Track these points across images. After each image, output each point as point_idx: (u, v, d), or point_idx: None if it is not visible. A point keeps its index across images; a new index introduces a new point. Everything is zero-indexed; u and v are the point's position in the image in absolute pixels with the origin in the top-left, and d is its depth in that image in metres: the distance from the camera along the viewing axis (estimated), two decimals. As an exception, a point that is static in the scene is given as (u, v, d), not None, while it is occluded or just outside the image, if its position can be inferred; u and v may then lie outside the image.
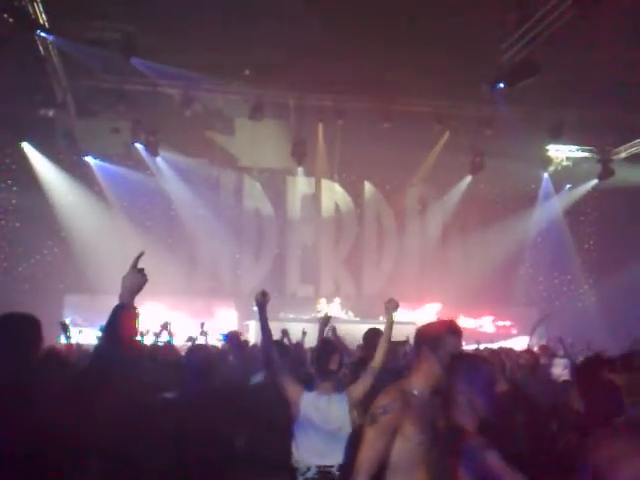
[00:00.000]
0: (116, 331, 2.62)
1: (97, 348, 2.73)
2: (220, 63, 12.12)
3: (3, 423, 2.36)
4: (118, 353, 2.61)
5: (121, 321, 2.65)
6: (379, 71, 12.67)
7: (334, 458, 4.02)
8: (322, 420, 4.08)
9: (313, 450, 4.03)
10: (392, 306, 4.62)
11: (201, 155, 16.40)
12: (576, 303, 17.90)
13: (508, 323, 17.62)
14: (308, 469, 4.01)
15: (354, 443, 4.08)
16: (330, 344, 4.72)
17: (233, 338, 5.30)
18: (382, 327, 4.74)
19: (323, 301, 15.97)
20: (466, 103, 14.18)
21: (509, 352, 8.08)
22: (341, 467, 4.00)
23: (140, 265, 2.77)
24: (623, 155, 16.19)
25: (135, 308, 2.69)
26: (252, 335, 14.10)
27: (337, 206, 18.30)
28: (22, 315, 2.81)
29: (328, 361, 4.32)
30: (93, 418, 2.55)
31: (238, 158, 17.32)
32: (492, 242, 16.93)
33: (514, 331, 17.37)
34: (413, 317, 15.92)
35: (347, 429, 4.12)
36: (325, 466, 4.01)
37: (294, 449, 4.08)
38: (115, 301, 2.72)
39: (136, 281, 2.72)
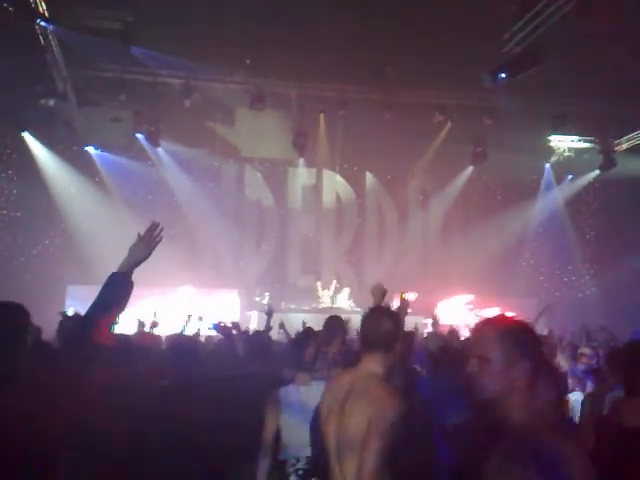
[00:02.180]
0: (109, 297, 2.65)
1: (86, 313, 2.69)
2: (221, 53, 12.09)
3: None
4: (89, 326, 2.61)
5: (116, 287, 2.68)
6: (381, 62, 12.64)
7: None
8: (302, 411, 4.07)
9: (299, 441, 4.04)
10: (378, 292, 4.35)
11: (202, 145, 16.37)
12: (577, 294, 17.91)
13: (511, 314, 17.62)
14: (297, 460, 4.05)
15: None
16: (305, 335, 4.73)
17: (222, 328, 5.30)
18: None
19: (326, 292, 16.01)
20: (468, 94, 14.15)
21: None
22: None
23: None
24: (625, 146, 16.15)
25: (131, 280, 2.73)
26: (254, 325, 14.12)
27: (338, 197, 18.29)
28: (11, 304, 2.77)
29: (304, 352, 4.33)
30: (82, 405, 2.56)
31: (239, 148, 17.30)
32: (493, 233, 16.90)
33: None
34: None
35: None
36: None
37: (281, 442, 4.08)
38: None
39: (141, 253, 2.81)
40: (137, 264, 2.79)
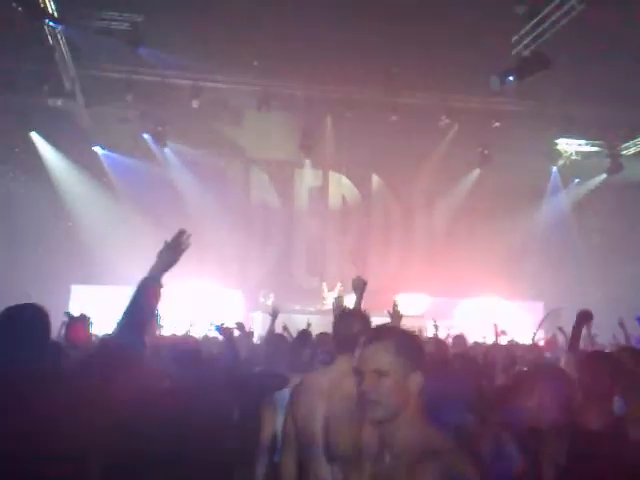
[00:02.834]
0: (141, 302, 2.72)
1: (119, 321, 2.75)
2: (228, 54, 12.10)
3: (21, 414, 2.36)
4: (136, 328, 2.70)
5: (147, 293, 2.74)
6: (388, 64, 12.63)
7: None
8: None
9: None
10: (358, 284, 4.42)
11: (209, 146, 16.36)
12: (582, 298, 17.81)
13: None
14: None
15: None
16: (302, 337, 4.71)
17: (224, 330, 5.28)
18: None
19: (331, 294, 15.98)
20: (475, 96, 14.13)
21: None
22: None
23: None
24: (632, 150, 16.07)
25: (161, 283, 2.80)
26: (258, 326, 14.12)
27: (344, 199, 18.28)
28: (33, 306, 2.80)
29: (300, 354, 4.33)
30: (106, 404, 2.59)
31: (246, 150, 17.33)
32: (499, 236, 16.85)
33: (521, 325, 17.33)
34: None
35: None
36: None
37: (278, 445, 4.07)
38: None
39: (170, 258, 2.88)
40: (166, 269, 2.86)
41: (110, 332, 2.89)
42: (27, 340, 2.64)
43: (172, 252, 2.91)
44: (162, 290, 2.81)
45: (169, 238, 2.96)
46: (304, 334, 5.04)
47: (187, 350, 4.18)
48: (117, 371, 2.65)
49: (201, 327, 9.17)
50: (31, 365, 2.57)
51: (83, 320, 4.48)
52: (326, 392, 3.13)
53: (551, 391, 2.83)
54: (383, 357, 2.06)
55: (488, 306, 17.20)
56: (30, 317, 2.72)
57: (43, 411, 2.38)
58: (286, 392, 4.17)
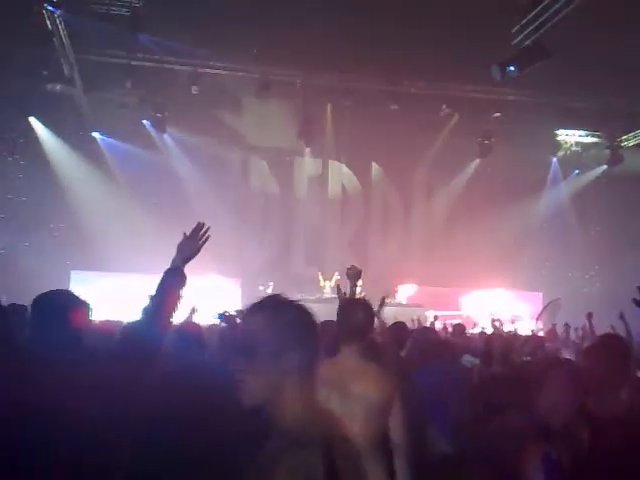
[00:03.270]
0: (166, 292, 2.86)
1: (144, 310, 2.88)
2: (228, 41, 12.04)
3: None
4: (163, 317, 2.83)
5: (172, 283, 2.87)
6: (388, 52, 12.56)
7: None
8: None
9: None
10: (353, 273, 4.47)
11: (208, 133, 16.30)
12: (581, 289, 17.87)
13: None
14: None
15: None
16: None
17: (227, 318, 5.28)
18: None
19: (328, 283, 15.99)
20: (475, 86, 14.09)
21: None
22: None
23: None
24: (632, 142, 16.08)
25: (184, 274, 2.94)
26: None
27: (344, 187, 18.26)
28: (70, 293, 2.90)
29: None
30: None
31: (245, 137, 17.27)
32: (498, 226, 16.85)
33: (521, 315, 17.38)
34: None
35: None
36: None
37: None
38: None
39: (190, 249, 2.97)
40: (187, 261, 2.97)
41: (134, 320, 3.05)
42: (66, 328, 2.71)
43: (192, 244, 2.98)
44: (186, 280, 2.94)
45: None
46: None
47: (191, 335, 4.20)
48: (146, 359, 2.76)
49: (201, 315, 9.15)
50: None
51: (82, 305, 4.45)
52: (336, 384, 3.09)
53: (564, 389, 2.74)
54: (254, 334, 1.83)
55: (490, 298, 17.28)
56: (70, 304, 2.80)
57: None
58: None
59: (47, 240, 15.46)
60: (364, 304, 3.36)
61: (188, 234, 3.00)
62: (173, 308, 2.88)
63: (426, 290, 16.76)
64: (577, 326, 9.49)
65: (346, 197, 18.23)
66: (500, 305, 17.22)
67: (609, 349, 3.32)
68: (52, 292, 2.84)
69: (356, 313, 3.25)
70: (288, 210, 17.87)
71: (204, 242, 3.02)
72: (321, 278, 16.33)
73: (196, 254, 3.00)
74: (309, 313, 1.95)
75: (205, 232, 3.03)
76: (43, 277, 12.34)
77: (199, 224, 3.03)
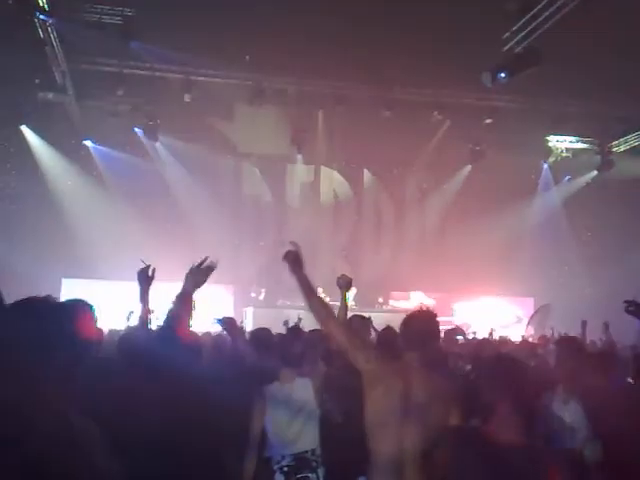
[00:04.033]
0: (177, 313, 3.33)
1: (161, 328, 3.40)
2: (220, 48, 12.05)
3: None
4: (174, 336, 3.24)
5: (182, 305, 3.36)
6: (380, 59, 12.62)
7: (307, 444, 4.09)
8: (287, 408, 4.10)
9: (285, 439, 4.07)
10: (343, 282, 4.52)
11: (200, 141, 16.31)
12: (572, 294, 17.92)
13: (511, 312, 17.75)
14: (282, 457, 4.05)
15: (324, 427, 4.15)
16: (293, 331, 4.73)
17: (227, 322, 5.28)
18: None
19: (321, 290, 15.92)
20: (467, 92, 14.15)
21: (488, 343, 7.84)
22: (315, 451, 4.09)
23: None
24: (623, 148, 16.17)
25: (193, 299, 3.45)
26: (249, 322, 14.13)
27: (336, 194, 18.28)
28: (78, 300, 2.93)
29: (291, 348, 4.34)
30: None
31: (237, 144, 17.27)
32: (490, 232, 16.90)
33: (512, 320, 17.45)
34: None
35: (315, 414, 4.16)
36: (299, 452, 4.07)
37: (267, 440, 4.09)
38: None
39: (198, 279, 3.45)
40: (195, 289, 3.46)
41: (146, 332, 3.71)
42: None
43: (200, 274, 3.47)
44: (194, 303, 3.45)
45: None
46: (295, 329, 5.05)
47: (190, 344, 4.20)
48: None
49: (195, 323, 9.13)
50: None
51: (86, 309, 4.49)
52: (396, 388, 3.10)
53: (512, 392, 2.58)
54: None
55: (482, 306, 17.36)
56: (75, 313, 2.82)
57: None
58: (275, 386, 4.18)
59: (39, 248, 15.41)
60: (427, 313, 3.34)
61: (196, 266, 3.49)
62: (183, 325, 3.39)
63: (419, 296, 16.81)
64: (564, 331, 9.51)
65: (338, 203, 18.25)
66: (491, 311, 17.31)
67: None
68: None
69: (418, 322, 3.25)
70: (280, 217, 17.87)
71: (212, 270, 3.56)
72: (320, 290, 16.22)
73: (204, 282, 3.48)
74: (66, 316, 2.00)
75: (209, 264, 3.56)
76: (35, 285, 12.27)
77: (205, 258, 3.56)
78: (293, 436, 4.08)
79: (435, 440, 2.88)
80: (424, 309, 3.39)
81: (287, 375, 4.22)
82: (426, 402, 3.01)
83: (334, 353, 4.75)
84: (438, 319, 3.31)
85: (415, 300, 16.79)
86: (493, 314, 17.24)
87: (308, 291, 3.58)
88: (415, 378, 3.08)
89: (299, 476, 4.03)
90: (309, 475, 4.05)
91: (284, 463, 4.04)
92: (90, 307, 2.91)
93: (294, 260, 3.71)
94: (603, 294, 16.23)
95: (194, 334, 4.32)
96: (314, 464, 4.08)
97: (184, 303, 3.37)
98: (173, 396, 3.20)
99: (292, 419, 4.09)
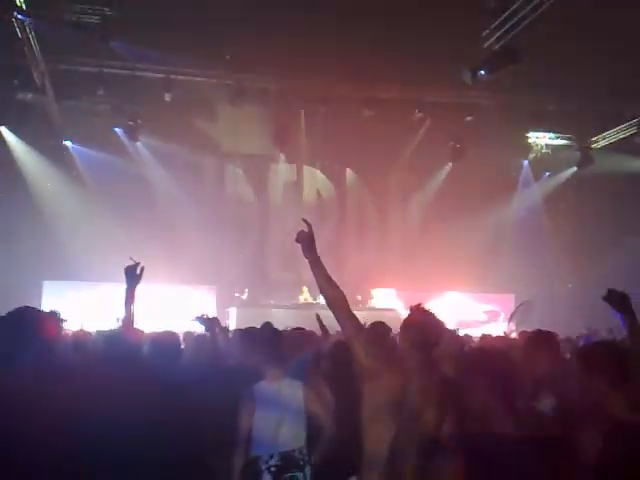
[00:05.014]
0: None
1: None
2: (201, 47, 12.01)
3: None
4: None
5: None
6: (361, 58, 12.64)
7: (294, 442, 4.11)
8: (275, 407, 4.11)
9: (272, 438, 4.07)
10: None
11: (182, 141, 16.23)
12: (554, 290, 18.08)
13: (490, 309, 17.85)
14: (271, 457, 4.05)
15: (311, 426, 4.16)
16: (277, 332, 4.71)
17: (206, 321, 5.26)
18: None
19: (306, 289, 15.97)
20: (447, 90, 14.21)
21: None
22: (302, 450, 4.11)
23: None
24: (602, 144, 16.31)
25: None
26: (232, 322, 14.10)
27: (319, 193, 18.30)
28: (37, 309, 3.09)
29: (279, 347, 4.35)
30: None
31: (220, 144, 17.22)
32: (472, 229, 17.00)
33: (494, 317, 17.55)
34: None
35: (302, 413, 4.17)
36: (287, 451, 4.08)
37: (254, 440, 4.09)
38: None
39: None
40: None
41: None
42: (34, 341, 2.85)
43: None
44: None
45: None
46: (276, 331, 5.04)
47: (168, 344, 4.19)
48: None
49: (177, 323, 9.12)
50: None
51: (53, 316, 4.52)
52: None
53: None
54: None
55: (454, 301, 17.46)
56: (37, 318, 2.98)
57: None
58: (263, 385, 4.18)
59: (19, 250, 15.28)
60: (428, 313, 3.30)
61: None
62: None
63: (401, 294, 16.86)
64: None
65: (321, 202, 18.27)
66: (463, 308, 17.43)
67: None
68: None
69: (420, 322, 3.23)
70: (263, 216, 17.85)
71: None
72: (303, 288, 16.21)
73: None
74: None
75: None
76: (16, 288, 12.21)
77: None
78: (280, 435, 4.09)
79: (427, 445, 2.88)
80: (423, 309, 3.32)
81: (275, 374, 4.22)
82: (420, 405, 2.97)
83: (324, 354, 4.78)
84: (439, 319, 3.26)
85: (385, 298, 16.87)
86: (461, 311, 17.33)
87: (322, 273, 3.47)
88: (412, 379, 3.06)
89: (287, 475, 4.03)
90: (297, 474, 4.06)
91: (272, 462, 4.04)
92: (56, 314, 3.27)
93: (308, 241, 3.56)
94: (584, 290, 16.40)
95: (138, 332, 4.31)
96: (301, 463, 4.09)
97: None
98: (154, 397, 3.21)
99: (280, 418, 4.10)
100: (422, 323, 3.20)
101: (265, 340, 4.47)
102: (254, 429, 4.09)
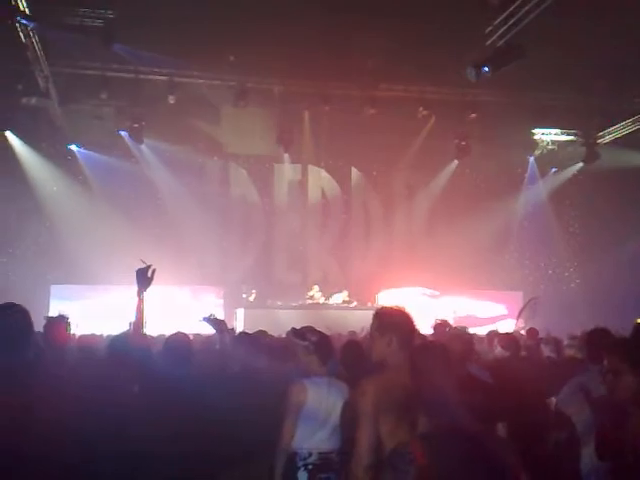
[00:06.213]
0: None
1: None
2: (204, 49, 12.01)
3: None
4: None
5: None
6: (364, 57, 12.63)
7: (334, 444, 4.08)
8: (323, 407, 4.10)
9: (314, 436, 4.06)
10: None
11: (186, 142, 16.25)
12: (561, 286, 18.01)
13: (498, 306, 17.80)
14: (310, 454, 4.03)
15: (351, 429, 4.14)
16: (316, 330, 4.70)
17: (213, 321, 5.26)
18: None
19: (316, 287, 15.97)
20: (451, 88, 14.18)
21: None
22: (339, 452, 4.07)
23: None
24: (608, 139, 16.23)
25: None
26: (240, 323, 14.11)
27: (324, 192, 18.27)
28: (12, 305, 2.94)
29: (329, 346, 4.35)
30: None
31: (224, 145, 17.23)
32: (478, 226, 16.93)
33: (502, 314, 17.50)
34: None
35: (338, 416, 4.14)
36: (326, 452, 4.05)
37: (296, 435, 4.06)
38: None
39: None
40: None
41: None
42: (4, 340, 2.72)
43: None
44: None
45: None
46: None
47: (178, 347, 4.19)
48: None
49: (186, 324, 9.12)
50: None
51: (61, 320, 4.56)
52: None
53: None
54: None
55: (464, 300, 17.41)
56: (8, 316, 2.88)
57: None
58: (315, 380, 4.16)
59: (26, 254, 15.33)
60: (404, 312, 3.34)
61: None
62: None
63: (407, 293, 16.82)
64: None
65: (326, 202, 18.24)
66: (471, 306, 17.37)
67: None
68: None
69: (405, 321, 3.27)
70: (269, 217, 17.85)
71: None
72: (313, 286, 16.22)
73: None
74: None
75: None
76: (23, 292, 12.23)
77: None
78: (322, 435, 4.07)
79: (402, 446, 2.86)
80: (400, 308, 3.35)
81: (324, 372, 4.23)
82: (400, 405, 2.95)
83: (354, 358, 4.75)
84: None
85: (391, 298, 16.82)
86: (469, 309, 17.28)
87: None
88: (397, 379, 3.04)
89: (322, 476, 4.01)
90: (331, 476, 4.03)
91: (310, 460, 4.02)
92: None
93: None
94: (592, 286, 16.35)
95: (145, 337, 4.32)
96: (337, 466, 4.06)
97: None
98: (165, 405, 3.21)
99: (326, 416, 4.08)
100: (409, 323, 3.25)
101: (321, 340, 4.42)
102: (299, 426, 4.08)
